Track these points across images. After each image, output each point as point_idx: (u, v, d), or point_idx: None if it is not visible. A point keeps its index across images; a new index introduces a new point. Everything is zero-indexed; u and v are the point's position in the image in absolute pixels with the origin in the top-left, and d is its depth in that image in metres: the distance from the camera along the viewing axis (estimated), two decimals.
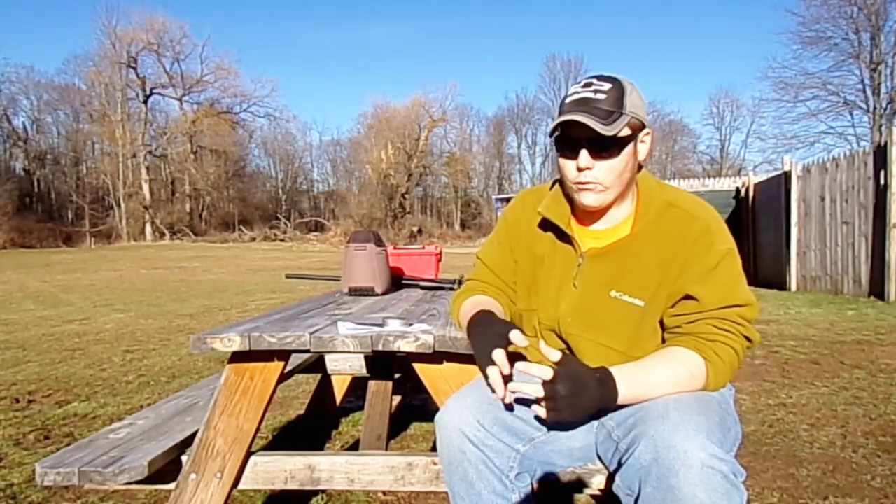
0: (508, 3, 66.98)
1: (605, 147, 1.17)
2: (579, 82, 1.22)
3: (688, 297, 1.17)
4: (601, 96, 1.16)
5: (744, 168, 36.35)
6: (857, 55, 27.04)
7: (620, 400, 1.11)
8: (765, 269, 10.23)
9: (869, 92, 27.48)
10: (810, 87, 27.85)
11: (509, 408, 1.17)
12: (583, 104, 1.16)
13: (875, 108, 27.34)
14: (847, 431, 2.78)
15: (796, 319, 6.23)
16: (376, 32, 72.89)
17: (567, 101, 1.19)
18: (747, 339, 1.17)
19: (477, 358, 1.17)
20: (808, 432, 2.78)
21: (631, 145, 1.19)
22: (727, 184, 13.55)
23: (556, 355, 1.09)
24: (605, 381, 1.09)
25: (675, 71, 66.97)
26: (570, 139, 1.19)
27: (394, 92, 77.42)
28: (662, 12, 63.33)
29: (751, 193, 11.12)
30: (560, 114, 1.18)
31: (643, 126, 1.22)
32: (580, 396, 1.06)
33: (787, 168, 9.31)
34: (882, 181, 7.33)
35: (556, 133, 1.20)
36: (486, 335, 1.17)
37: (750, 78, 68.46)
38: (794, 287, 9.08)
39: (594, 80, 1.20)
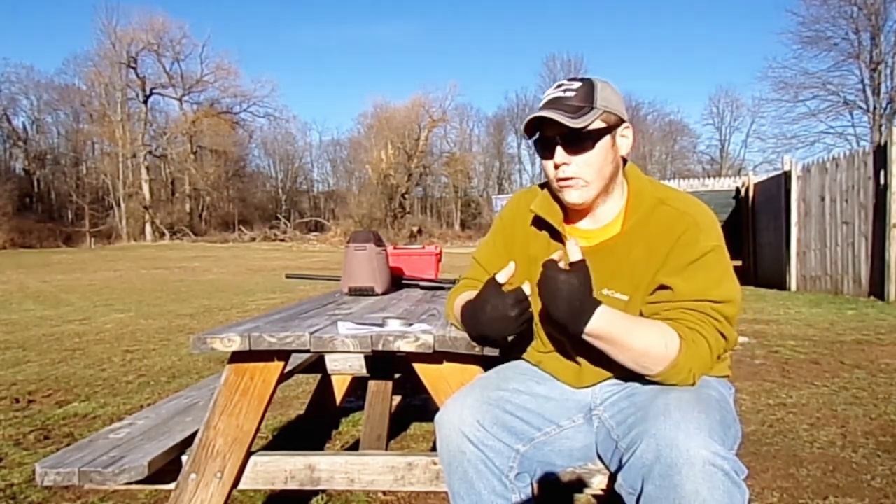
0: (508, 3, 67.05)
1: (579, 141, 1.19)
2: (553, 85, 1.25)
3: (663, 287, 1.18)
4: (570, 94, 1.20)
5: (744, 168, 36.39)
6: (857, 55, 27.05)
7: (588, 333, 1.10)
8: (765, 269, 10.22)
9: (869, 92, 27.51)
10: (810, 87, 27.87)
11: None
12: (552, 103, 1.20)
13: (875, 107, 27.34)
14: (847, 431, 2.78)
15: (796, 319, 6.23)
16: (376, 32, 72.94)
17: (540, 103, 1.23)
18: (722, 335, 1.15)
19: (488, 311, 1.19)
20: (808, 432, 2.78)
21: (607, 138, 1.20)
22: (727, 184, 13.55)
23: (576, 254, 1.12)
24: (584, 309, 1.09)
25: (675, 71, 67.04)
26: (545, 139, 1.22)
27: (394, 92, 77.47)
28: (662, 12, 63.38)
29: (751, 193, 11.11)
30: None
31: (621, 121, 1.23)
32: (559, 297, 1.09)
33: (787, 168, 9.30)
34: (882, 181, 7.33)
35: (535, 136, 1.23)
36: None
37: (750, 78, 68.35)
38: (794, 287, 9.08)
39: (565, 82, 1.23)
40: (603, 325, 1.10)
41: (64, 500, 2.17)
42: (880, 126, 26.15)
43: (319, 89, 74.52)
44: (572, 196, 1.22)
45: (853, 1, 26.13)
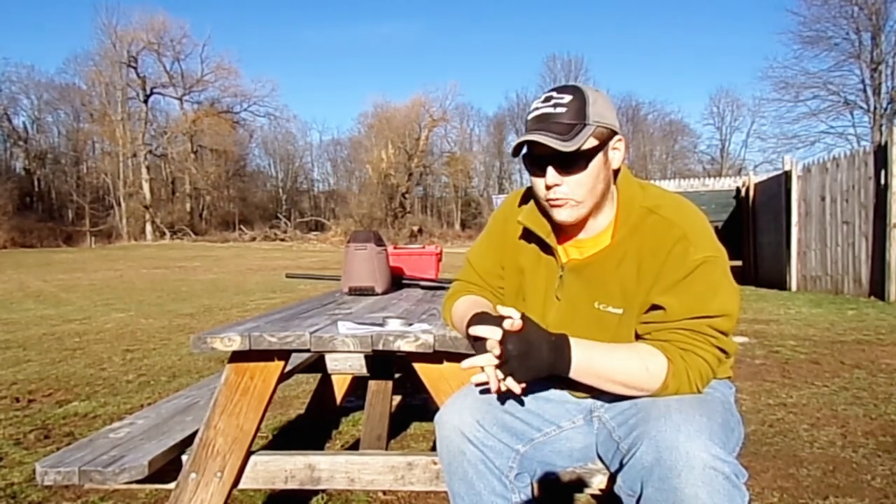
0: (508, 3, 66.97)
1: (571, 162, 1.13)
2: (540, 97, 1.18)
3: (656, 307, 1.15)
4: (561, 110, 1.13)
5: (744, 168, 36.33)
6: (857, 55, 27.06)
7: (573, 370, 1.08)
8: (765, 269, 10.22)
9: (869, 92, 27.51)
10: (811, 87, 27.87)
11: (503, 398, 1.16)
12: (542, 120, 1.13)
13: (875, 107, 27.34)
14: (847, 431, 2.78)
15: (796, 319, 6.23)
16: (376, 32, 72.83)
17: (528, 118, 1.17)
18: (721, 350, 1.14)
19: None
20: (808, 432, 2.78)
21: (600, 155, 1.16)
22: (727, 184, 13.53)
23: (516, 315, 1.06)
24: (559, 346, 1.08)
25: (675, 71, 66.84)
26: (535, 157, 1.16)
27: (394, 92, 77.60)
28: (662, 12, 63.33)
29: (751, 193, 11.10)
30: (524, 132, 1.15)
31: (613, 133, 1.18)
32: (529, 356, 1.05)
33: (787, 168, 9.30)
34: (882, 181, 7.32)
35: (523, 151, 1.17)
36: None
37: (750, 77, 68.39)
38: (794, 287, 9.08)
39: (554, 94, 1.16)
40: (581, 356, 1.08)
41: (64, 500, 2.17)
42: (881, 126, 26.14)
43: (319, 89, 74.56)
44: (563, 215, 1.18)
45: (854, 1, 26.13)
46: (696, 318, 1.11)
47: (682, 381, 1.11)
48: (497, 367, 1.06)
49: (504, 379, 1.07)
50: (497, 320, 1.08)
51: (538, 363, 1.06)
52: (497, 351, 1.06)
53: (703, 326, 1.11)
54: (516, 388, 1.09)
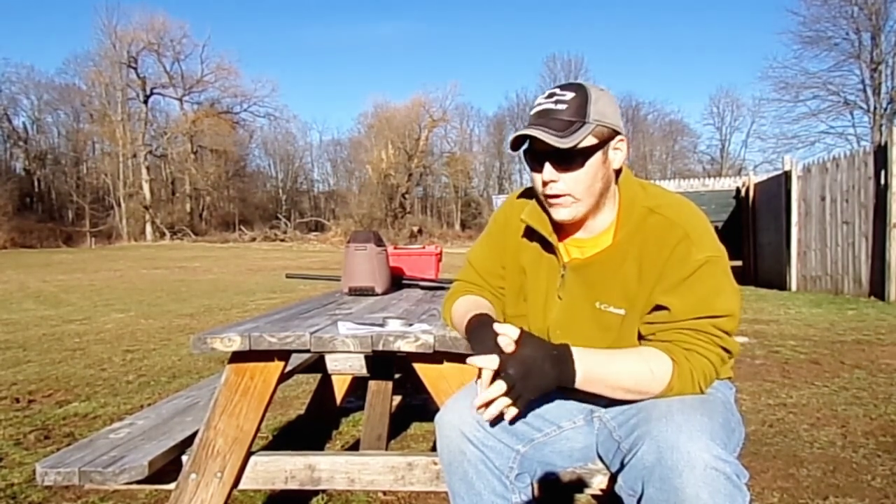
0: (509, 3, 66.95)
1: (568, 159, 1.14)
2: (545, 93, 1.19)
3: (660, 307, 1.14)
4: (562, 106, 1.14)
5: (744, 168, 36.32)
6: (857, 55, 27.07)
7: (579, 381, 1.08)
8: (765, 269, 10.22)
9: (869, 92, 27.51)
10: (811, 87, 27.88)
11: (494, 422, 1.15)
12: (542, 116, 1.14)
13: (875, 107, 27.35)
14: (847, 431, 2.78)
15: (796, 319, 6.23)
16: (377, 32, 72.84)
17: (531, 113, 1.18)
18: (725, 349, 1.14)
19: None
20: (808, 432, 2.78)
21: (599, 154, 1.16)
22: (727, 184, 13.56)
23: (514, 333, 1.07)
24: (562, 359, 1.07)
25: (675, 71, 66.88)
26: (535, 152, 1.17)
27: (394, 92, 77.61)
28: (662, 12, 63.34)
29: (751, 193, 11.11)
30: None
31: (615, 133, 1.18)
32: (532, 376, 1.05)
33: (787, 168, 9.30)
34: (882, 181, 7.32)
35: (524, 147, 1.18)
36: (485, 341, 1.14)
37: (750, 78, 68.42)
38: (794, 287, 9.08)
39: (557, 90, 1.17)
40: (584, 367, 1.08)
41: (64, 500, 2.17)
42: (881, 126, 26.14)
43: (319, 89, 74.57)
44: (561, 214, 1.19)
45: (854, 1, 26.13)
46: (700, 318, 1.11)
47: (686, 382, 1.11)
48: (504, 394, 1.04)
49: (514, 403, 1.05)
50: (492, 344, 1.07)
51: (543, 380, 1.06)
52: (502, 387, 1.03)
53: (707, 326, 1.11)
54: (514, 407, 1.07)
